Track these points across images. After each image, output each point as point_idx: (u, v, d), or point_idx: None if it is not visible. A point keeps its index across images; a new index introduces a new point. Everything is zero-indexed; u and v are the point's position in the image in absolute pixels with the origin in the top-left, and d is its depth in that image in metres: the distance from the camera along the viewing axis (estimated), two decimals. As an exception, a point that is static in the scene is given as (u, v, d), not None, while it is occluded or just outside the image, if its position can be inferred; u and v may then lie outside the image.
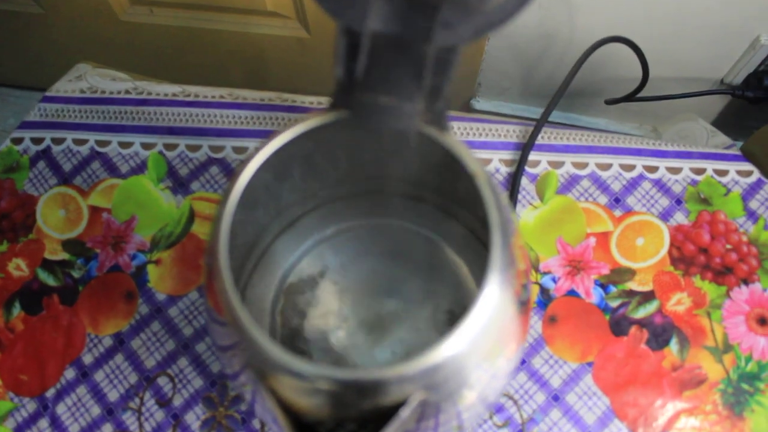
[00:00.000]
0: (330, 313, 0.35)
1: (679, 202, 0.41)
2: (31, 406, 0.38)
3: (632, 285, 0.39)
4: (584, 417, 0.37)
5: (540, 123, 0.42)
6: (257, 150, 0.23)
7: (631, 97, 0.51)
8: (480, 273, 0.34)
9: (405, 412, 0.21)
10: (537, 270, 0.40)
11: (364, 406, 0.21)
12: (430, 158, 0.23)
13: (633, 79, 0.51)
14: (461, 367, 0.22)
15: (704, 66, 0.58)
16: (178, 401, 0.38)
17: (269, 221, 0.33)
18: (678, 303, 0.39)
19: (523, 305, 0.26)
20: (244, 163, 0.23)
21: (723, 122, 0.57)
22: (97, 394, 0.38)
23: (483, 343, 0.22)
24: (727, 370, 0.37)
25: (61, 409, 0.38)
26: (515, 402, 0.37)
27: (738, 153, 0.42)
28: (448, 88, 0.22)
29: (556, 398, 0.37)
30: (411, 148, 0.23)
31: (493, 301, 0.22)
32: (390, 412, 0.21)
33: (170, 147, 0.43)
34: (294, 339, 0.34)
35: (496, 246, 0.22)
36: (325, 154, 0.25)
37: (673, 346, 0.38)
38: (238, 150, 0.43)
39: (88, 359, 0.39)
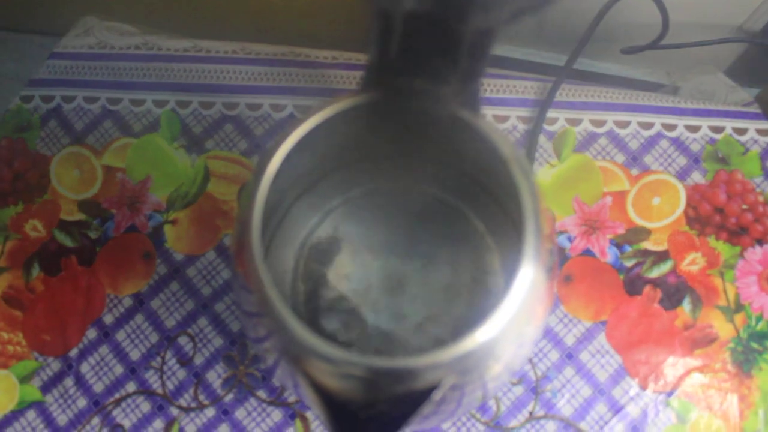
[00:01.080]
0: (351, 275, 0.35)
1: (696, 161, 0.41)
2: (55, 365, 0.39)
3: (647, 245, 0.40)
4: (597, 374, 0.38)
5: (558, 81, 0.41)
6: (288, 133, 0.23)
7: (648, 47, 0.50)
8: (502, 239, 0.34)
9: (437, 396, 0.22)
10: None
11: (396, 391, 0.22)
12: (462, 140, 0.23)
13: (649, 26, 0.49)
14: (493, 350, 0.23)
15: (722, 12, 0.56)
16: (198, 360, 0.39)
17: (288, 186, 0.32)
18: (692, 263, 0.39)
19: (550, 272, 0.26)
20: (275, 146, 0.23)
21: (741, 70, 0.56)
22: (120, 354, 0.39)
23: (515, 325, 0.23)
24: (737, 329, 0.38)
25: (84, 368, 0.39)
26: (530, 360, 0.38)
27: (758, 111, 0.42)
28: (483, 70, 0.22)
29: (569, 356, 0.38)
30: (442, 130, 0.23)
31: (525, 287, 0.22)
32: (422, 394, 0.22)
33: (183, 104, 0.43)
34: (316, 301, 0.35)
35: (529, 233, 0.22)
36: (353, 132, 0.25)
37: (686, 305, 0.38)
38: (252, 107, 0.42)
39: (108, 319, 0.39)
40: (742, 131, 0.41)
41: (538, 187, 0.22)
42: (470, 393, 0.27)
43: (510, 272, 0.22)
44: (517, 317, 0.22)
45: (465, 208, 0.33)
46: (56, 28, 0.46)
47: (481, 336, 0.21)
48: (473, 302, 0.33)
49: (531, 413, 0.37)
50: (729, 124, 0.41)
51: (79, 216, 0.41)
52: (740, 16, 0.56)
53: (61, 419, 0.38)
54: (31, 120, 0.43)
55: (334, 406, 0.22)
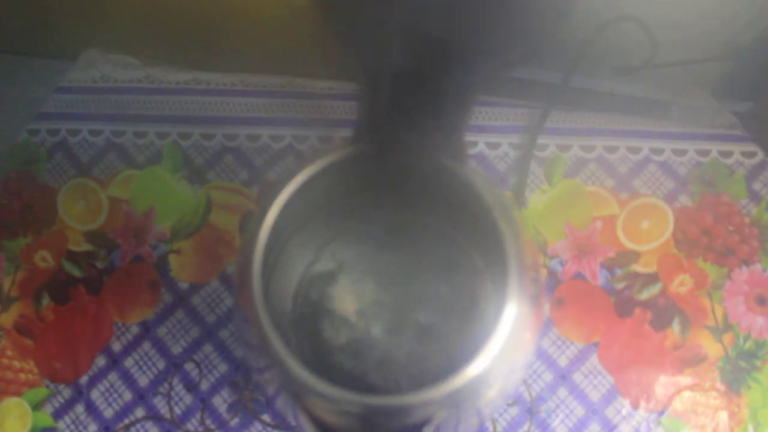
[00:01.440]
0: (350, 301, 0.36)
1: (684, 184, 0.42)
2: (66, 392, 0.40)
3: (637, 267, 0.41)
4: (589, 395, 0.39)
5: (547, 109, 0.43)
6: (283, 186, 0.24)
7: (638, 68, 0.51)
8: (494, 267, 0.35)
9: (429, 430, 0.23)
10: (545, 254, 0.41)
11: (391, 425, 0.23)
12: (449, 187, 0.24)
13: (640, 46, 0.51)
14: (484, 382, 0.24)
15: (711, 29, 0.57)
16: (205, 386, 0.40)
17: (286, 225, 0.34)
18: (681, 284, 0.40)
19: (535, 298, 0.27)
20: (270, 199, 0.24)
21: (730, 87, 0.57)
22: (128, 380, 0.40)
23: (504, 357, 0.24)
24: (726, 349, 0.39)
25: (95, 394, 0.40)
26: (524, 381, 0.39)
27: (744, 134, 0.43)
28: (466, 122, 0.23)
29: (563, 377, 0.39)
30: (429, 179, 0.24)
31: (511, 324, 0.23)
32: (416, 427, 0.23)
33: (184, 136, 0.44)
34: (317, 328, 0.36)
35: (513, 276, 0.23)
36: (348, 179, 0.26)
37: (675, 326, 0.40)
38: (251, 138, 0.44)
39: (116, 347, 0.41)
40: (727, 154, 0.43)
41: (522, 230, 0.24)
42: (465, 420, 0.28)
43: (500, 303, 0.23)
44: (505, 351, 0.24)
45: (461, 239, 0.35)
46: (56, 52, 0.47)
47: (469, 373, 0.22)
48: (467, 329, 0.34)
49: (526, 433, 0.39)
50: (715, 147, 0.43)
51: (86, 246, 0.43)
52: (727, 34, 0.58)
53: (73, 445, 0.39)
54: (39, 153, 0.44)
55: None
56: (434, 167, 0.23)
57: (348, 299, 0.36)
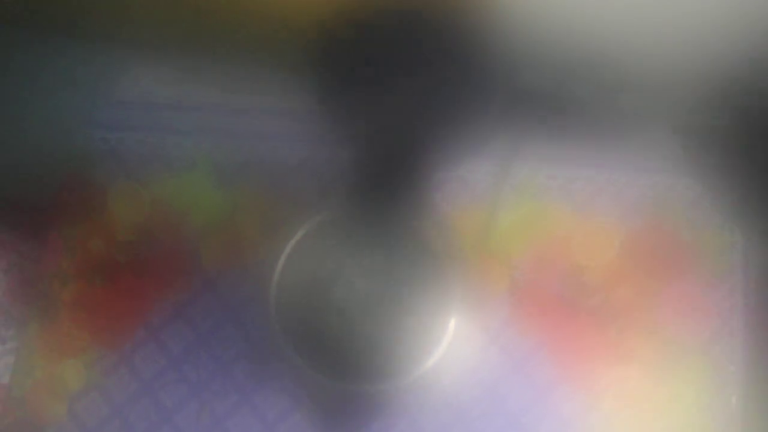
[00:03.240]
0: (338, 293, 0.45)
1: (634, 208, 0.50)
2: (113, 356, 0.50)
3: (594, 282, 0.49)
4: (538, 395, 0.48)
5: (513, 158, 0.50)
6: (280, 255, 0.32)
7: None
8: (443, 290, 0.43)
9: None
10: (509, 266, 0.50)
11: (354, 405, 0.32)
12: (413, 246, 0.33)
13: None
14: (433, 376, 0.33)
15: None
16: (226, 357, 0.49)
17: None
18: (628, 296, 0.49)
19: (481, 313, 0.36)
20: (272, 266, 0.32)
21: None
22: (163, 349, 0.49)
23: (448, 359, 0.33)
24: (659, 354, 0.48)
25: (136, 359, 0.49)
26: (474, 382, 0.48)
27: (685, 167, 0.51)
28: (429, 192, 0.31)
29: (515, 379, 0.48)
30: (395, 240, 0.33)
31: (452, 331, 0.32)
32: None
33: (216, 148, 0.52)
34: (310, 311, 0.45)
35: (455, 301, 0.31)
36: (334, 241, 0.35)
37: (620, 331, 0.48)
38: (272, 151, 0.52)
39: (155, 321, 0.50)
40: (671, 185, 0.50)
41: (468, 268, 0.32)
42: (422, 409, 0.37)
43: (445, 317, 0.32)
44: (449, 353, 0.32)
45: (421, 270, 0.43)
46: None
47: (422, 365, 0.31)
48: (420, 334, 0.43)
49: None
50: (662, 178, 0.51)
51: (131, 237, 0.51)
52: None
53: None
54: (93, 157, 0.53)
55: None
56: (401, 224, 0.31)
57: (336, 291, 0.45)
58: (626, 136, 0.55)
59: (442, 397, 0.39)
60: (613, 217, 0.50)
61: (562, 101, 0.52)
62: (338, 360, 0.39)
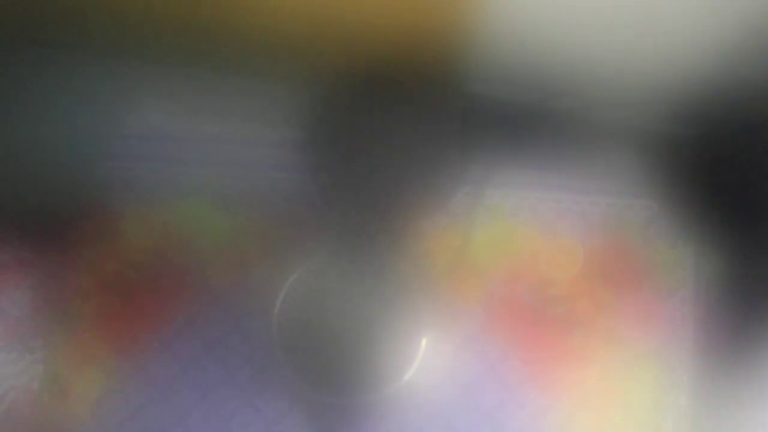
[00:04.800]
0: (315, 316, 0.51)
1: (596, 228, 0.56)
2: (130, 364, 0.55)
3: (558, 293, 0.55)
4: (510, 397, 0.54)
5: (485, 186, 0.56)
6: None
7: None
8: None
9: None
10: (482, 280, 0.55)
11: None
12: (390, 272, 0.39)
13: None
14: (410, 389, 0.39)
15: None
16: (234, 360, 0.55)
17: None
18: (591, 308, 0.55)
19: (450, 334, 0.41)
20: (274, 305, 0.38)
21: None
22: (175, 356, 0.55)
23: (422, 373, 0.38)
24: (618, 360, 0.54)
25: (152, 367, 0.55)
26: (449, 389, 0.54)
27: (645, 190, 0.57)
28: (402, 247, 0.37)
29: (488, 385, 0.54)
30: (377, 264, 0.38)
31: (424, 349, 0.38)
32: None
33: (220, 176, 0.58)
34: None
35: (426, 325, 0.37)
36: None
37: (585, 341, 0.54)
38: (281, 182, 0.58)
39: (167, 332, 0.56)
40: (631, 206, 0.56)
41: (442, 303, 0.38)
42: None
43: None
44: (422, 367, 0.38)
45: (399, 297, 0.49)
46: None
47: (399, 379, 0.37)
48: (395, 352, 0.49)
49: None
50: (621, 200, 0.56)
51: (143, 258, 0.57)
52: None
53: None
54: (107, 185, 0.59)
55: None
56: (381, 256, 0.37)
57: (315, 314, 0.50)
58: (589, 160, 0.60)
59: (419, 404, 0.45)
60: (577, 235, 0.56)
61: (532, 120, 0.58)
62: (328, 375, 0.45)
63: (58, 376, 0.56)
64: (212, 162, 0.58)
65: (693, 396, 0.53)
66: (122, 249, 0.57)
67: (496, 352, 0.54)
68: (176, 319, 0.56)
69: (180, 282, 0.57)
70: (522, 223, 0.56)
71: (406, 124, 0.46)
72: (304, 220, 0.55)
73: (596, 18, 0.54)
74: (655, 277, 0.55)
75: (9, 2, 0.57)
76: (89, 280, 0.57)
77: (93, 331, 0.56)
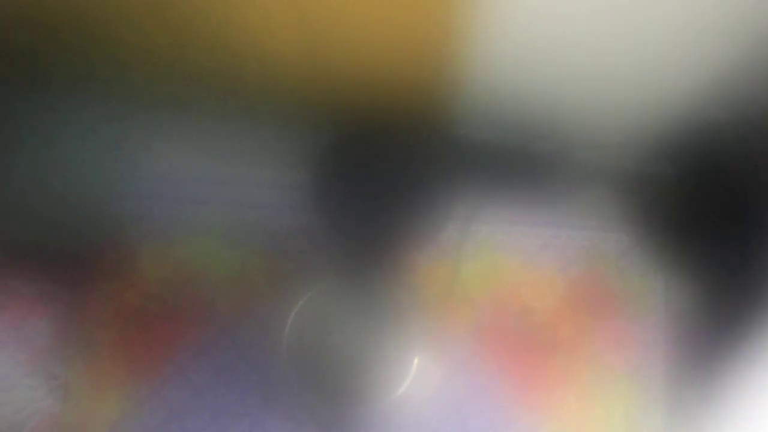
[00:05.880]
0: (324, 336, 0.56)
1: (574, 260, 0.61)
2: (147, 387, 0.60)
3: (539, 318, 0.60)
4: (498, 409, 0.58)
5: (471, 224, 0.62)
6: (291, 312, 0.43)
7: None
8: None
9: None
10: (472, 307, 0.60)
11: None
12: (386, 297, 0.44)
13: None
14: (404, 402, 0.43)
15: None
16: (239, 370, 0.59)
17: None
18: (570, 329, 0.59)
19: (441, 354, 0.46)
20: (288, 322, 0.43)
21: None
22: (187, 380, 0.60)
23: (414, 389, 0.43)
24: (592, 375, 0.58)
25: (166, 390, 0.60)
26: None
27: (617, 225, 0.62)
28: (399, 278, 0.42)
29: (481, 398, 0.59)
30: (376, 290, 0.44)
31: (415, 368, 0.42)
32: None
33: (230, 214, 0.63)
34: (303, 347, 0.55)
35: (417, 346, 0.42)
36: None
37: (564, 358, 0.59)
38: (289, 226, 0.63)
39: (181, 358, 0.60)
40: (606, 239, 0.62)
41: (433, 327, 0.43)
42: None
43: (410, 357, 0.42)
44: (414, 384, 0.43)
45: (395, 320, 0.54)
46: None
47: (392, 392, 0.42)
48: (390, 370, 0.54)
49: None
50: (596, 235, 0.62)
51: (159, 290, 0.62)
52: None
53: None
54: (123, 224, 0.64)
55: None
56: (378, 285, 0.42)
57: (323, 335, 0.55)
58: (568, 197, 0.66)
59: (413, 415, 0.50)
60: (557, 266, 0.61)
61: (516, 161, 0.64)
62: (329, 388, 0.50)
63: (78, 400, 0.60)
64: (221, 201, 0.64)
65: (666, 414, 0.58)
66: (138, 282, 0.62)
67: (482, 373, 0.59)
68: (189, 346, 0.61)
69: (192, 312, 0.61)
70: (506, 255, 0.62)
71: (399, 165, 0.52)
72: (307, 253, 0.60)
73: (576, 66, 0.59)
74: (630, 305, 0.60)
75: (34, 53, 0.62)
76: (107, 312, 0.62)
77: (111, 359, 0.61)
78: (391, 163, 0.55)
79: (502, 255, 0.62)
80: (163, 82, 0.67)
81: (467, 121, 0.61)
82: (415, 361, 0.42)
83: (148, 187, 0.65)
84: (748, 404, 0.53)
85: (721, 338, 0.59)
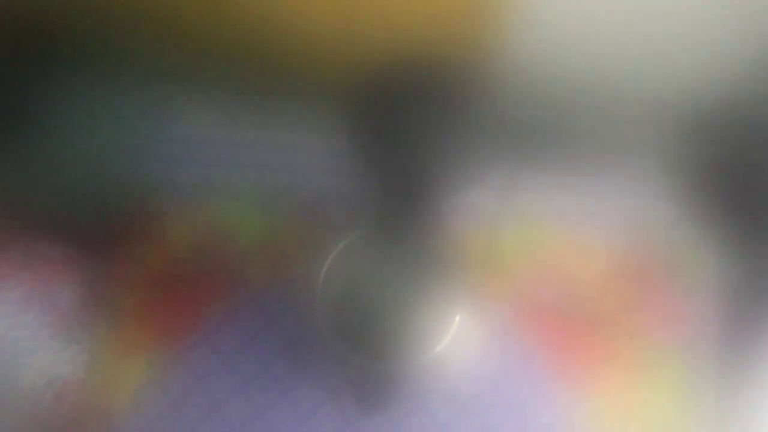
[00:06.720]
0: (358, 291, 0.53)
1: (622, 229, 0.58)
2: (172, 355, 0.58)
3: (583, 291, 0.57)
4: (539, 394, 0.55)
5: (511, 189, 0.59)
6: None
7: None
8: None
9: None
10: (511, 279, 0.58)
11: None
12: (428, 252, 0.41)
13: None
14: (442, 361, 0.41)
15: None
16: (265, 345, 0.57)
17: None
18: (617, 305, 0.57)
19: (484, 315, 0.44)
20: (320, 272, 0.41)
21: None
22: (213, 348, 0.58)
23: (453, 347, 0.41)
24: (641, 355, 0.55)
25: (193, 359, 0.58)
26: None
27: (669, 192, 0.59)
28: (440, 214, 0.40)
29: (517, 378, 0.56)
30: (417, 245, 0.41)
31: (456, 326, 0.40)
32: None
33: (260, 178, 0.61)
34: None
35: (459, 302, 0.40)
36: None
37: (611, 337, 0.56)
38: (320, 186, 0.61)
39: (207, 325, 0.58)
40: (655, 207, 0.58)
41: (473, 288, 0.40)
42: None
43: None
44: (453, 343, 0.40)
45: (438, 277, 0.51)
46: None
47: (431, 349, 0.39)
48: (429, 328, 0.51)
49: None
50: (646, 200, 0.59)
51: (186, 254, 0.60)
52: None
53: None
54: (151, 188, 0.62)
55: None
56: (417, 239, 0.40)
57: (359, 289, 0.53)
58: (612, 166, 0.63)
59: (449, 380, 0.47)
60: (601, 235, 0.58)
61: (560, 125, 0.61)
62: (367, 342, 0.47)
63: (102, 365, 0.58)
64: (251, 164, 0.62)
65: (717, 393, 0.55)
66: (165, 246, 0.60)
67: (522, 344, 0.56)
68: (217, 312, 0.59)
69: (220, 278, 0.59)
70: (548, 224, 0.59)
71: (439, 126, 0.49)
72: (340, 219, 0.58)
73: (619, 38, 0.57)
74: (679, 277, 0.57)
75: (59, 26, 0.61)
76: (133, 276, 0.60)
77: (136, 324, 0.59)
78: (431, 122, 0.53)
79: (544, 224, 0.59)
80: (194, 46, 0.66)
81: (507, 90, 0.58)
82: (457, 318, 0.39)
83: (177, 151, 0.63)
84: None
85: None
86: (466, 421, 0.54)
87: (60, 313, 0.59)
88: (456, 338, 0.39)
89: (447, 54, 0.55)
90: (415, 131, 0.48)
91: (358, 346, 0.47)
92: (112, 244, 0.61)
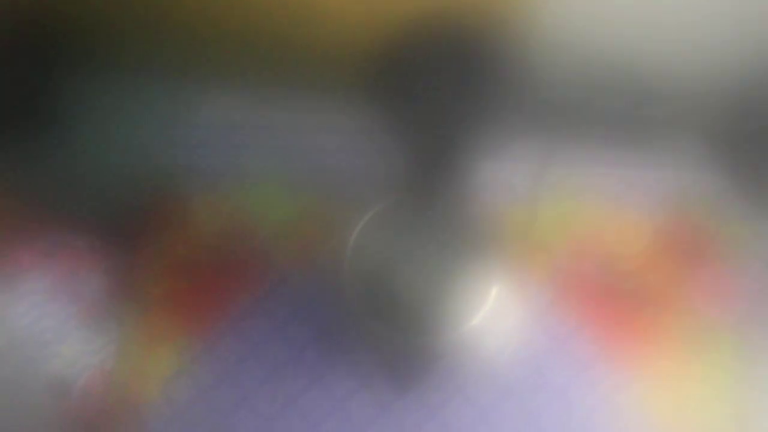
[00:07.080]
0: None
1: (663, 204, 0.55)
2: (199, 343, 0.56)
3: (626, 266, 0.54)
4: (579, 369, 0.53)
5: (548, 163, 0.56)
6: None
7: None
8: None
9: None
10: (549, 253, 0.55)
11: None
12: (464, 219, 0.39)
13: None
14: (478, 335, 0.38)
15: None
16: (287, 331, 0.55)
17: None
18: (659, 280, 0.54)
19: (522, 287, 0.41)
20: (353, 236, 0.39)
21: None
22: (241, 337, 0.56)
23: (491, 320, 0.38)
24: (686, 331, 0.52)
25: (220, 347, 0.56)
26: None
27: (712, 166, 0.56)
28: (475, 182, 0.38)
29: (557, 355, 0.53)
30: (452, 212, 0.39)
31: (493, 298, 0.38)
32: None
33: (283, 162, 0.60)
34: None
35: (495, 273, 0.37)
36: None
37: (655, 313, 0.53)
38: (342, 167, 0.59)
39: (234, 312, 0.57)
40: (698, 180, 0.55)
41: (510, 263, 0.38)
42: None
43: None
44: (490, 316, 0.38)
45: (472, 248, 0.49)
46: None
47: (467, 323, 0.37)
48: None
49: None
50: (688, 173, 0.56)
51: (210, 241, 0.59)
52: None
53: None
54: (174, 176, 0.61)
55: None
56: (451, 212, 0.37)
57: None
58: (657, 137, 0.60)
59: (487, 361, 0.45)
60: (644, 209, 0.55)
61: (600, 98, 0.58)
62: (400, 315, 0.45)
63: (130, 355, 0.57)
64: (275, 146, 0.60)
65: (773, 370, 0.52)
66: (192, 234, 0.59)
67: (566, 325, 0.54)
68: (245, 300, 0.57)
69: (249, 264, 0.58)
70: (588, 198, 0.56)
71: (471, 96, 0.47)
72: (369, 201, 0.56)
73: (664, 12, 0.55)
74: (726, 252, 0.54)
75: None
76: (160, 264, 0.59)
77: (164, 313, 0.58)
78: (460, 96, 0.51)
79: (584, 197, 0.56)
80: (214, 29, 0.64)
81: (542, 62, 0.56)
82: (494, 291, 0.37)
83: (200, 137, 0.62)
84: None
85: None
86: (506, 405, 0.52)
87: (87, 302, 0.58)
88: (493, 312, 0.36)
89: (478, 21, 0.53)
90: (446, 102, 0.46)
91: (391, 320, 0.46)
92: (138, 233, 0.60)
